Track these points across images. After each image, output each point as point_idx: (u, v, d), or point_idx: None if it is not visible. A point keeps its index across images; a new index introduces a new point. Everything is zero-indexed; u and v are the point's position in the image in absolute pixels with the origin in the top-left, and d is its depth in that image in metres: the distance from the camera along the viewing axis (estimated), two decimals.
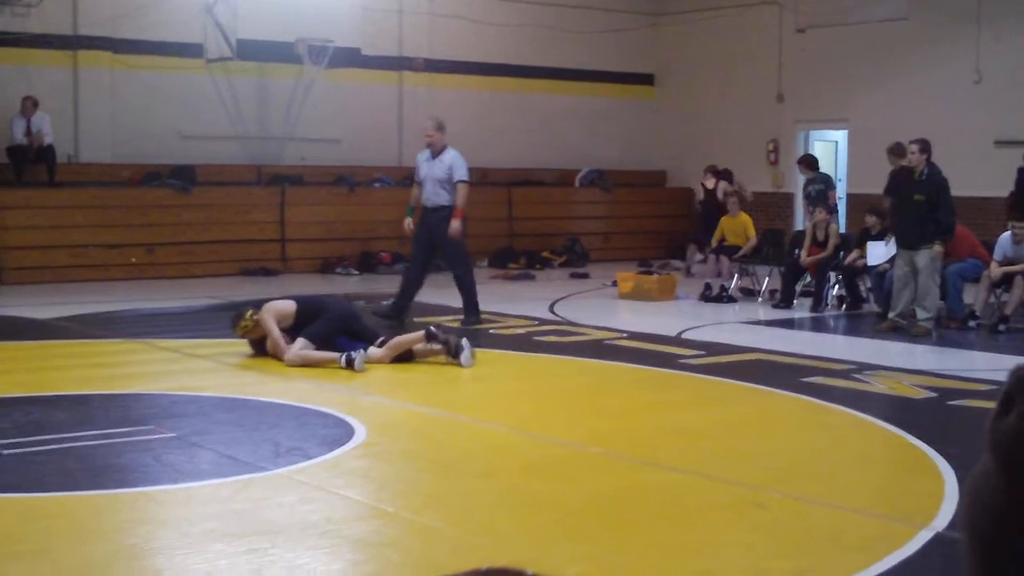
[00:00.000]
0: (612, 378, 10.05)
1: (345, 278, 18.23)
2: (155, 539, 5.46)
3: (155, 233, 17.63)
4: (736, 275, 16.29)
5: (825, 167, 18.10)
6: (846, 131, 21.27)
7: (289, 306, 10.36)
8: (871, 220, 14.41)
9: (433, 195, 12.55)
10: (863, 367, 10.22)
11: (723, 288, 15.67)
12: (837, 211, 17.89)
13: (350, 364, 9.78)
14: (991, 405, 1.21)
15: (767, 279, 16.01)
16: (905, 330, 12.45)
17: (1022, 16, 18.65)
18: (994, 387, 9.09)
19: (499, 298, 15.05)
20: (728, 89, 22.56)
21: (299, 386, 9.17)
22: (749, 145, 22.02)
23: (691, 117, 23.25)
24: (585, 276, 18.89)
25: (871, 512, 6.00)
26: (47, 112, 17.24)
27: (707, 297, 15.48)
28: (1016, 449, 1.15)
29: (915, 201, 12.40)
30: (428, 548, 5.38)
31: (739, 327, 13.48)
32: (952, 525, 5.48)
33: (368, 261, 19.00)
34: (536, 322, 13.13)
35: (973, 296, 13.21)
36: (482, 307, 12.92)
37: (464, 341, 10.15)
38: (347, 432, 7.54)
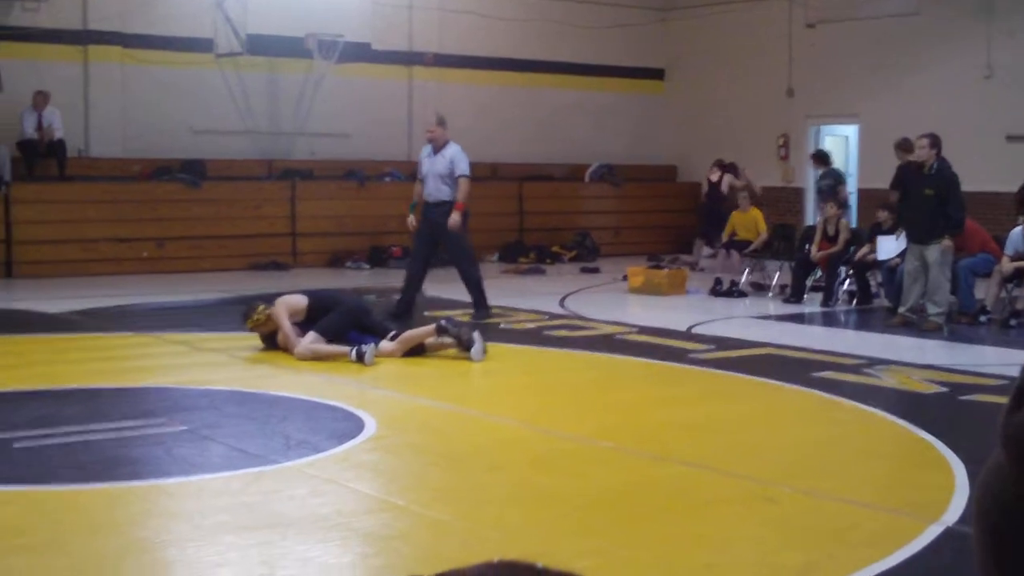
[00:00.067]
0: (622, 372, 10.06)
1: (355, 272, 18.25)
2: (167, 532, 5.48)
3: (165, 227, 17.67)
4: (747, 270, 16.28)
5: (835, 162, 18.08)
6: (856, 126, 21.23)
7: (301, 300, 10.38)
8: (883, 215, 14.39)
9: (435, 190, 12.56)
10: (873, 362, 10.21)
11: (733, 283, 15.66)
12: (849, 206, 17.87)
13: (360, 358, 9.79)
14: (1002, 400, 1.22)
15: (777, 274, 16.00)
16: (916, 325, 12.43)
17: None
18: (1005, 382, 9.08)
19: (509, 292, 15.06)
20: (738, 84, 22.53)
21: (309, 380, 9.19)
22: (759, 140, 21.99)
23: (701, 112, 23.22)
24: (595, 271, 18.89)
25: (881, 506, 6.00)
26: (57, 107, 17.29)
27: (717, 292, 15.48)
28: None
29: (925, 196, 12.37)
30: (438, 541, 5.39)
31: (749, 322, 13.48)
32: (962, 519, 5.48)
33: (378, 255, 19.02)
34: (546, 316, 13.14)
35: (984, 291, 13.19)
36: (492, 301, 12.92)
37: (476, 334, 10.15)
38: (357, 425, 7.55)
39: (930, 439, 7.33)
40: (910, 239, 12.68)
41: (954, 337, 12.13)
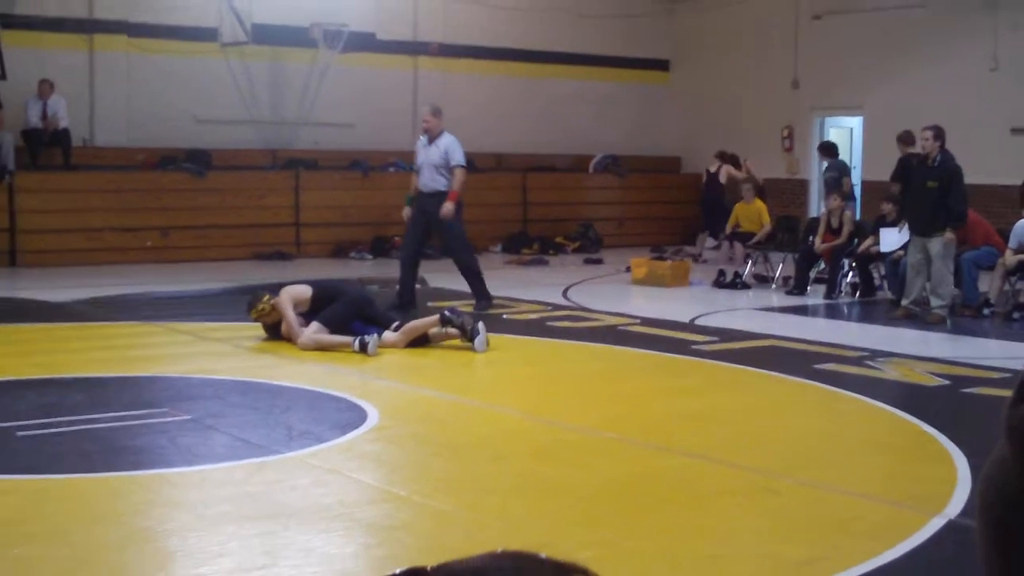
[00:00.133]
0: (625, 364, 10.06)
1: (359, 262, 18.26)
2: (169, 521, 5.49)
3: (170, 217, 17.67)
4: (750, 261, 16.27)
5: (840, 154, 18.05)
6: (861, 118, 21.20)
7: (305, 291, 10.39)
8: (887, 207, 14.38)
9: (430, 180, 12.56)
10: (876, 354, 10.21)
11: (737, 274, 15.65)
12: (854, 198, 17.84)
13: (363, 348, 9.80)
14: (1005, 393, 1.22)
15: (781, 266, 15.99)
16: (919, 317, 12.42)
17: None
18: (1008, 375, 9.08)
19: (513, 283, 15.06)
20: (743, 75, 22.49)
21: (313, 370, 9.20)
22: (764, 131, 21.95)
23: (706, 103, 23.19)
24: (599, 262, 18.88)
25: (883, 499, 6.00)
26: (62, 95, 17.29)
27: (720, 283, 15.47)
28: None
29: (928, 188, 12.35)
30: (440, 532, 5.39)
31: (752, 313, 13.47)
32: (965, 512, 5.48)
33: (382, 245, 19.01)
34: (549, 307, 13.14)
35: (988, 284, 13.18)
36: (495, 292, 12.92)
37: (480, 325, 10.18)
38: (360, 416, 7.56)
39: (933, 432, 7.33)
40: (913, 231, 12.66)
41: (957, 330, 12.12)
